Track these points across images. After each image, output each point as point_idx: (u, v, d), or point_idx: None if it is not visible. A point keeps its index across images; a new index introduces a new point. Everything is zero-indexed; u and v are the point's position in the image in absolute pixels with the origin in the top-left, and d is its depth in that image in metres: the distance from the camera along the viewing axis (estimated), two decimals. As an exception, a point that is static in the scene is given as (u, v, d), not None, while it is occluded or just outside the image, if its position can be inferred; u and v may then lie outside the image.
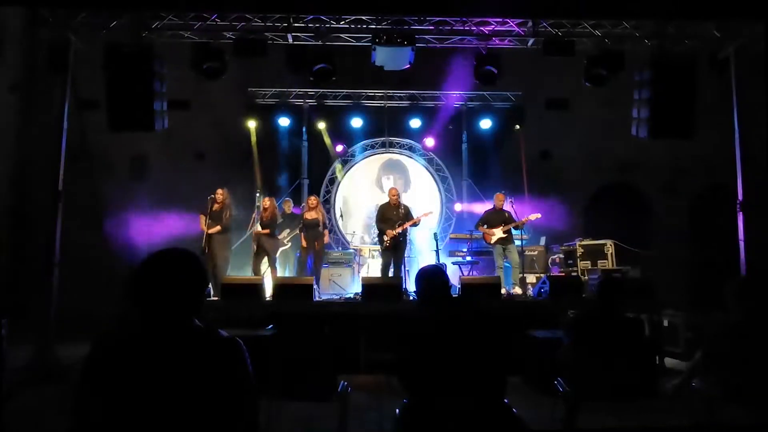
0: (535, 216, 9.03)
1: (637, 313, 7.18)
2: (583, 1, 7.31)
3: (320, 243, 9.53)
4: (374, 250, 10.63)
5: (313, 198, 9.73)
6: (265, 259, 9.19)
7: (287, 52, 8.44)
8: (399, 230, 8.82)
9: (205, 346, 1.93)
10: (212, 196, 8.93)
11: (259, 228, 9.19)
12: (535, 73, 10.57)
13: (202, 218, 8.83)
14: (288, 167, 12.12)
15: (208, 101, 11.09)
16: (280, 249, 10.16)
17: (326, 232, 9.76)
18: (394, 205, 9.06)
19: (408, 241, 9.07)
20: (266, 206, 9.34)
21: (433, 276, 3.14)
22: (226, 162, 11.42)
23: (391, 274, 8.86)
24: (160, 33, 8.05)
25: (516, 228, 9.15)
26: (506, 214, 9.19)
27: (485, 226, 9.23)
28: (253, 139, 11.60)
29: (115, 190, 10.46)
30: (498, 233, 9.01)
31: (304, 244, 9.49)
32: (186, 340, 1.92)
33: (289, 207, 10.47)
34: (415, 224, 9.15)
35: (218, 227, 8.82)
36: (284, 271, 10.12)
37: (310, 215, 9.42)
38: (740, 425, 3.37)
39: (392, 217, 8.94)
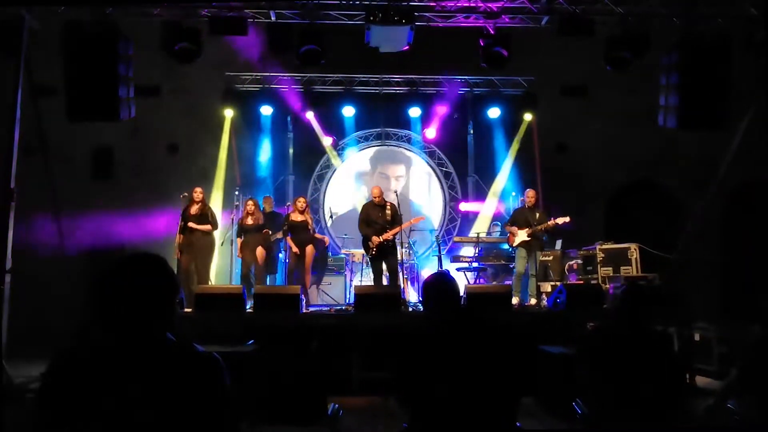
0: (562, 220, 8.94)
1: (664, 326, 7.20)
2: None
3: (311, 248, 9.45)
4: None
5: (302, 199, 9.63)
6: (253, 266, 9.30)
7: (270, 32, 8.44)
8: (384, 238, 8.78)
9: (180, 363, 1.93)
10: (185, 194, 8.95)
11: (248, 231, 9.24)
12: (549, 55, 10.60)
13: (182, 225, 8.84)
14: (271, 162, 12.11)
15: (180, 87, 11.09)
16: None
17: (325, 237, 9.66)
18: (378, 206, 9.03)
19: (400, 246, 9.01)
20: (251, 210, 9.32)
21: (440, 284, 3.15)
22: (201, 156, 11.42)
23: (386, 282, 8.87)
24: (125, 10, 8.03)
25: (544, 231, 9.08)
26: (536, 214, 9.10)
27: (514, 226, 9.21)
28: (227, 128, 11.59)
29: (76, 187, 10.43)
30: (522, 235, 8.96)
31: (295, 249, 9.44)
32: (158, 357, 1.92)
33: (270, 205, 10.43)
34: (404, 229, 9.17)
35: (208, 226, 8.94)
36: (266, 279, 10.11)
37: (296, 217, 9.40)
38: (740, 425, 3.41)
39: (377, 220, 8.90)
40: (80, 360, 1.90)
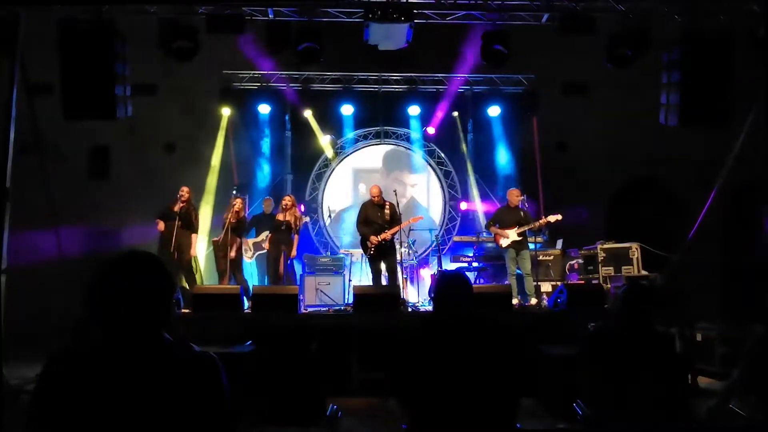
0: (554, 218, 9.00)
1: (666, 326, 7.20)
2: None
3: (287, 249, 9.44)
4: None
5: (287, 198, 9.61)
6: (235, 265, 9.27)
7: (268, 30, 8.42)
8: (382, 238, 8.78)
9: (176, 363, 1.93)
10: (179, 195, 8.96)
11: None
12: (550, 53, 10.58)
13: (161, 223, 8.85)
14: (269, 161, 12.11)
15: (177, 86, 11.06)
16: (257, 253, 10.17)
17: (294, 239, 9.49)
18: (377, 205, 9.03)
19: (399, 245, 9.03)
20: (237, 208, 9.21)
21: (456, 282, 3.17)
22: (198, 155, 11.41)
23: (385, 282, 8.87)
24: (122, 7, 8.01)
25: (533, 231, 9.12)
26: (522, 214, 9.17)
27: (497, 226, 9.19)
28: (224, 126, 11.59)
29: (72, 186, 10.42)
30: (512, 235, 8.97)
31: (266, 246, 9.52)
32: (154, 356, 1.92)
33: (269, 206, 10.46)
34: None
35: (194, 234, 9.05)
36: (264, 280, 10.12)
37: (279, 216, 9.40)
38: (740, 425, 3.42)
39: (376, 220, 8.92)
40: (75, 361, 1.90)
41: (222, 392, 1.97)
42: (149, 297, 1.95)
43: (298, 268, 10.46)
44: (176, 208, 8.90)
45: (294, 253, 9.52)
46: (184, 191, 8.99)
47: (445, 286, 3.19)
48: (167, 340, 1.97)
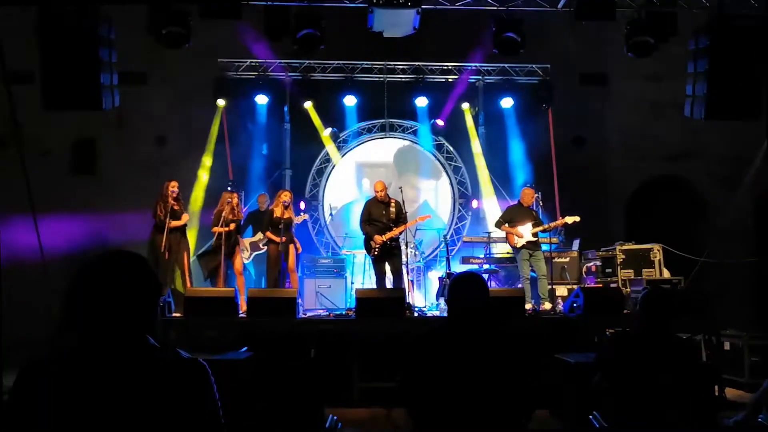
0: (572, 219, 8.97)
1: (691, 333, 7.17)
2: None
3: (293, 247, 9.43)
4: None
5: (288, 193, 9.47)
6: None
7: (266, 15, 8.41)
8: (387, 237, 8.77)
9: (162, 370, 1.91)
10: (171, 191, 8.95)
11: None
12: (567, 41, 10.57)
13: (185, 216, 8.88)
14: (266, 155, 12.10)
15: (168, 74, 11.07)
16: (255, 253, 10.16)
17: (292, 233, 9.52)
18: (381, 202, 9.01)
19: (404, 246, 9.03)
20: (234, 204, 9.17)
21: (471, 283, 3.18)
22: (191, 148, 11.41)
23: (390, 285, 8.87)
24: (110, -9, 8.02)
25: (547, 231, 9.10)
26: (534, 214, 9.17)
27: (508, 226, 9.16)
28: (218, 118, 11.60)
29: (54, 183, 10.44)
30: (527, 234, 8.93)
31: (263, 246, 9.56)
32: (137, 363, 1.89)
33: (264, 203, 10.44)
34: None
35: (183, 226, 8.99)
36: (262, 282, 10.12)
37: (278, 213, 9.30)
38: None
39: (380, 218, 8.90)
40: (53, 369, 1.87)
41: (211, 402, 1.94)
42: (131, 299, 1.93)
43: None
44: (173, 205, 8.81)
45: (300, 247, 9.58)
46: (175, 186, 8.93)
47: (460, 288, 3.19)
48: (152, 345, 1.95)
